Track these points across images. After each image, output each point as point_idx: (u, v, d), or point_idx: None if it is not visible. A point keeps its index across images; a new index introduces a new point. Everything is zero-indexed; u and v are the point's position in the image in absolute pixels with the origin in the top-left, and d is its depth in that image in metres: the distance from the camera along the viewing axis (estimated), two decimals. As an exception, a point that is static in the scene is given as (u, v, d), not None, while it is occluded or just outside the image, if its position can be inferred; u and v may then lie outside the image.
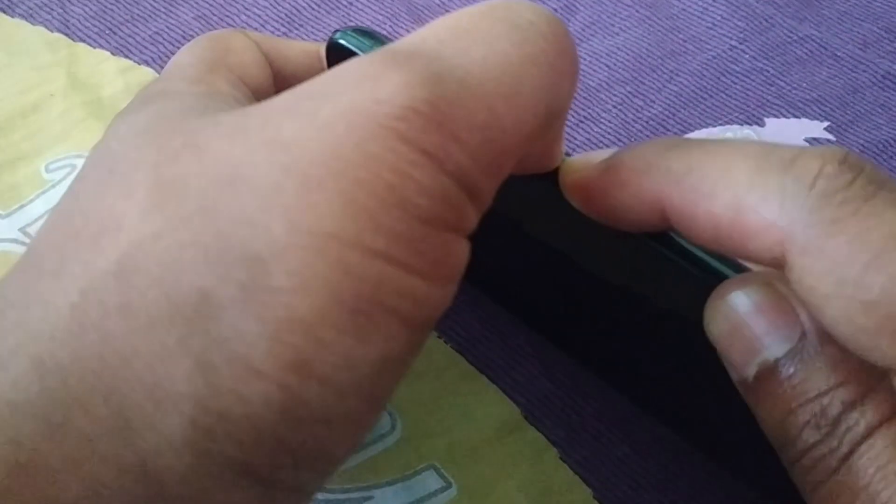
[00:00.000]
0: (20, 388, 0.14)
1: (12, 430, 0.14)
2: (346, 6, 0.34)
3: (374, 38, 0.21)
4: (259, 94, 0.20)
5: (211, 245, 0.14)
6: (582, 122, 0.32)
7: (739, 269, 0.18)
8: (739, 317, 0.16)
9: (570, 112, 0.32)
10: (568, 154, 0.19)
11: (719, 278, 0.17)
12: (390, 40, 0.21)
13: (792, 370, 0.15)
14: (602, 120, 0.32)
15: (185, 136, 0.15)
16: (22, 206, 0.28)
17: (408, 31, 0.33)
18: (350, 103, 0.14)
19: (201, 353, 0.13)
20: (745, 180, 0.16)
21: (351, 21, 0.34)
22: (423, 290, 0.14)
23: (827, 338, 0.15)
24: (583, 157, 0.19)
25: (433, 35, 0.16)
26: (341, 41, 0.21)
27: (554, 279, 0.23)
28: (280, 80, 0.22)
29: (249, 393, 0.13)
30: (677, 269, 0.18)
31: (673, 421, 0.24)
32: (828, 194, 0.15)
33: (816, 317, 0.15)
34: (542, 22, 0.16)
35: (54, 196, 0.29)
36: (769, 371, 0.16)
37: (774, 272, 0.16)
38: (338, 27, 0.23)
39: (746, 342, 0.16)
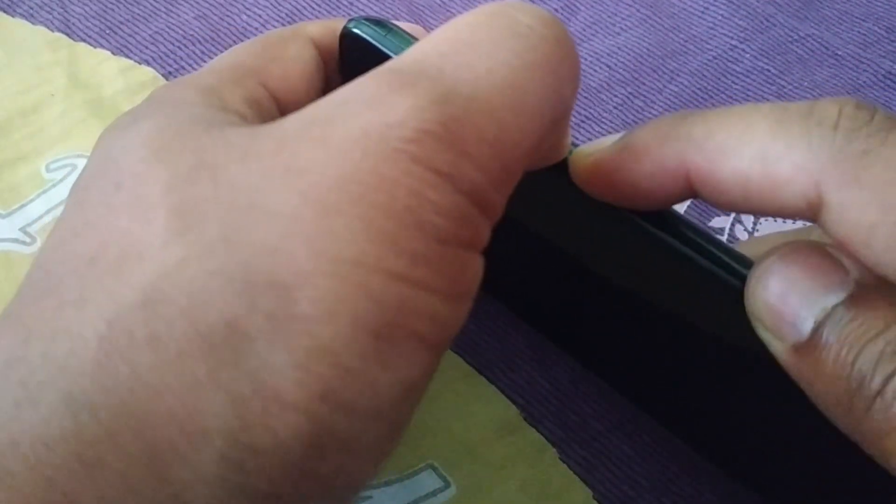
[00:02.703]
0: (53, 425, 0.13)
1: (49, 469, 0.13)
2: (346, 6, 0.34)
3: (388, 28, 0.21)
4: (292, 108, 0.20)
5: (236, 274, 0.13)
6: (583, 122, 0.32)
7: (740, 257, 0.18)
8: (793, 273, 0.16)
9: (572, 113, 0.32)
10: (575, 145, 0.19)
11: (719, 263, 0.17)
12: (403, 30, 0.21)
13: (853, 311, 0.15)
14: (603, 120, 0.32)
15: (195, 155, 0.15)
16: (22, 206, 0.28)
17: (408, 30, 0.33)
18: (361, 128, 0.14)
19: (231, 385, 0.13)
20: (769, 132, 0.16)
21: (351, 21, 0.34)
22: (442, 310, 0.14)
23: (879, 281, 0.15)
24: (592, 143, 0.19)
25: (434, 49, 0.16)
26: (355, 31, 0.21)
27: (556, 276, 0.23)
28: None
29: (279, 425, 0.13)
30: (678, 256, 0.18)
31: (675, 424, 0.24)
32: (853, 130, 0.15)
33: (861, 256, 0.15)
34: (541, 26, 0.16)
35: (55, 196, 0.29)
36: (829, 319, 0.15)
37: (812, 241, 0.16)
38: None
39: (801, 298, 0.16)
